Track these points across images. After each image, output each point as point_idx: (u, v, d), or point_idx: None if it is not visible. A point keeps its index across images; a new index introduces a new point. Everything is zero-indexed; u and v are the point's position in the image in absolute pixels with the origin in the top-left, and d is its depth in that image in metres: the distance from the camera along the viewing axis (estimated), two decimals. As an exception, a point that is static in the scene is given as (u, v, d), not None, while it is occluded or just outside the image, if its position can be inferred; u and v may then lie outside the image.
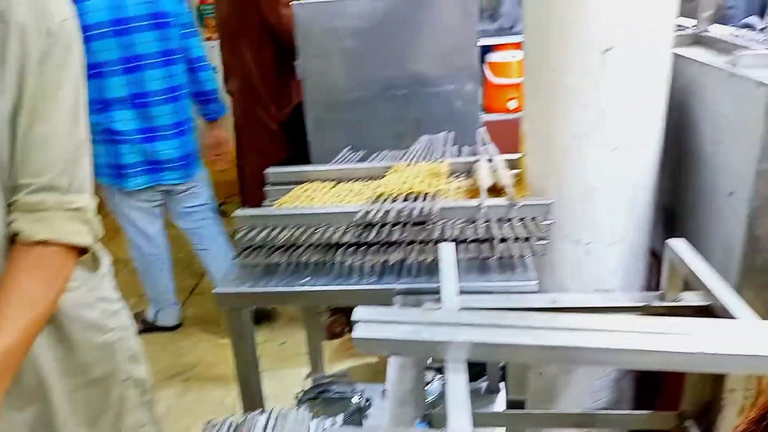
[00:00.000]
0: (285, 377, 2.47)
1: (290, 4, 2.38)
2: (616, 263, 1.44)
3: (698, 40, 1.51)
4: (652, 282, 1.53)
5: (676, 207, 1.52)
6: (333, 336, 2.92)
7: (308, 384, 1.83)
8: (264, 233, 1.36)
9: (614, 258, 1.43)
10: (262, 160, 2.34)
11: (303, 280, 1.33)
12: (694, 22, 1.55)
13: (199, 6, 4.63)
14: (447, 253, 1.19)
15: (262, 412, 1.15)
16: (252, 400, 1.43)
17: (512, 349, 0.85)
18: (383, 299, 1.29)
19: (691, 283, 1.13)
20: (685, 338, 0.83)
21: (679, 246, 1.16)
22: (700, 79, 1.36)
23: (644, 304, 1.20)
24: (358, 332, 0.89)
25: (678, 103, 1.46)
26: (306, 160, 2.39)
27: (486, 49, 3.48)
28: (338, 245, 1.35)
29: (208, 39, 4.56)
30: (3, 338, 0.83)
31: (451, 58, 2.29)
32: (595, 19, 1.22)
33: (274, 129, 2.77)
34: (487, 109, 3.56)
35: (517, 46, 3.38)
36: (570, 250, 1.43)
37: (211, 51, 4.20)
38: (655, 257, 1.56)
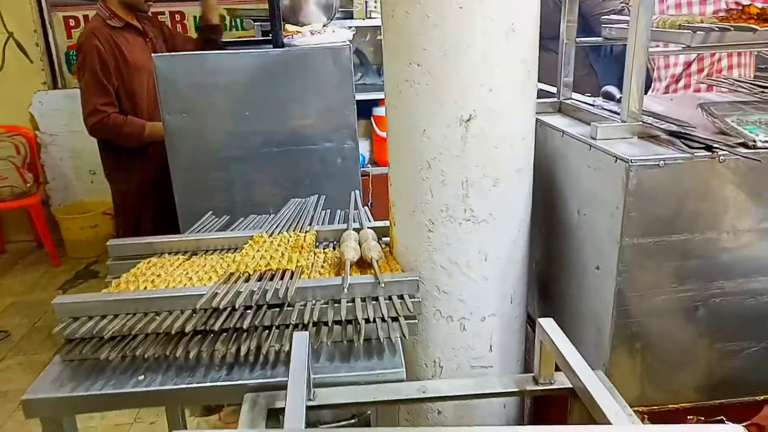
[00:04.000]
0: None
1: (98, 109, 2.44)
2: (492, 338, 1.36)
3: (560, 108, 1.50)
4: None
5: (548, 279, 1.48)
6: (209, 411, 2.66)
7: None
8: (90, 324, 1.15)
9: (489, 332, 1.35)
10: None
11: (138, 379, 1.13)
12: (553, 89, 1.55)
13: (67, 51, 4.30)
14: (298, 344, 1.05)
15: None
16: None
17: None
18: (234, 396, 1.12)
19: (560, 363, 1.07)
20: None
21: (548, 325, 1.10)
22: (564, 149, 1.34)
23: (518, 389, 1.12)
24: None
25: (546, 171, 1.43)
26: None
27: (374, 103, 3.50)
28: (181, 335, 1.16)
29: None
30: None
31: (329, 115, 2.20)
32: (458, 86, 1.16)
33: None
34: (376, 162, 3.55)
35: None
36: (443, 326, 1.33)
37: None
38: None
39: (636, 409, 1.21)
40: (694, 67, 1.99)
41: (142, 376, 1.13)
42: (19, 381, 2.80)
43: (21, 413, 2.73)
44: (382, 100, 3.50)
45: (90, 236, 4.21)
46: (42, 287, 3.78)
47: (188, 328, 1.15)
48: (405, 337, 1.17)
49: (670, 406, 1.34)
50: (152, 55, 2.06)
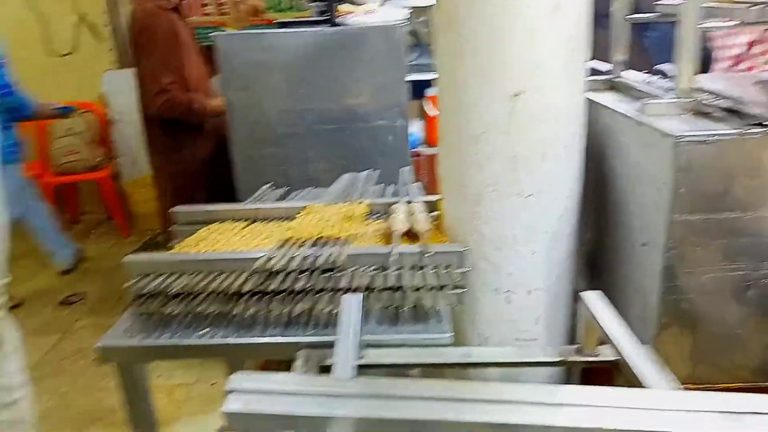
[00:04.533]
0: (214, 424, 2.31)
1: (166, 89, 2.44)
2: (538, 311, 1.38)
3: (612, 86, 1.50)
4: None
5: (597, 255, 1.49)
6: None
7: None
8: (158, 281, 1.25)
9: (535, 306, 1.38)
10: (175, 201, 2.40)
11: (200, 333, 1.22)
12: (609, 66, 1.55)
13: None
14: (350, 305, 1.11)
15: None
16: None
17: (400, 425, 0.77)
18: (287, 353, 1.20)
19: (603, 336, 1.09)
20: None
21: (592, 299, 1.12)
22: (614, 125, 1.35)
23: (561, 359, 1.15)
24: (231, 405, 0.80)
25: (597, 149, 1.44)
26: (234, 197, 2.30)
27: (428, 84, 3.50)
28: (239, 294, 1.25)
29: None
30: None
31: (381, 93, 2.25)
32: (504, 63, 1.18)
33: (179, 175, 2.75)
34: (429, 143, 3.56)
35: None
36: (489, 299, 1.37)
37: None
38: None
39: (685, 385, 1.22)
40: (756, 50, 1.92)
41: (204, 330, 1.22)
42: (93, 340, 2.99)
43: (95, 369, 2.91)
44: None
45: (154, 211, 4.42)
46: (112, 256, 4.02)
47: (246, 288, 1.23)
48: (451, 305, 1.22)
49: (721, 385, 1.33)
50: (213, 34, 2.15)
